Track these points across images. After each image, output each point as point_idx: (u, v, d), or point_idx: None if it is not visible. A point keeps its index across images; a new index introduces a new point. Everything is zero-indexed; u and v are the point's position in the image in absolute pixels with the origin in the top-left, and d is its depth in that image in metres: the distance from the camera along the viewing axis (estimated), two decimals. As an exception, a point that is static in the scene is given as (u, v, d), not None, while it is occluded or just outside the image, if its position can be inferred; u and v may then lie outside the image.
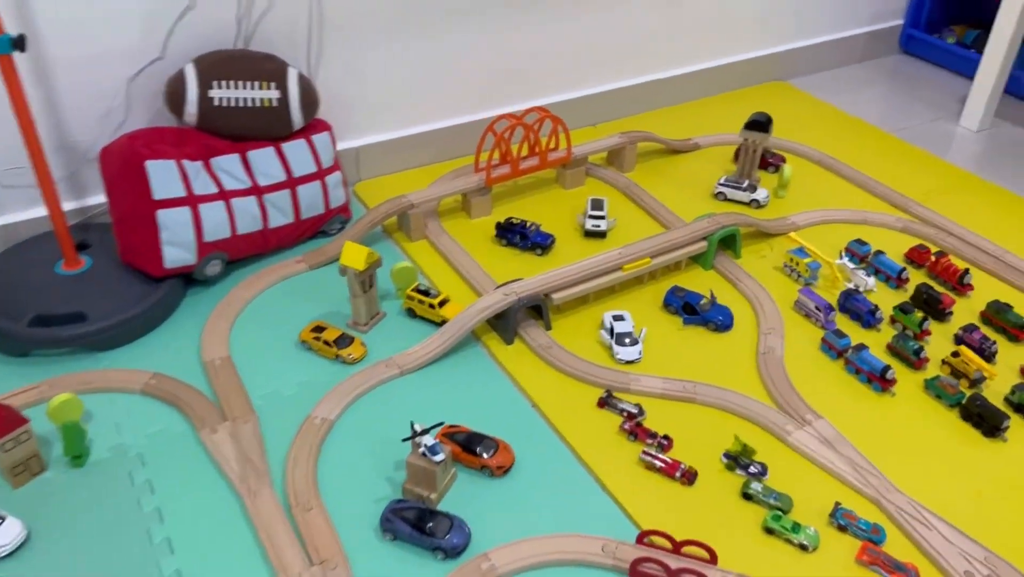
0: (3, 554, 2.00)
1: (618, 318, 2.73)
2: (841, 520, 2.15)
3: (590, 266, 2.83)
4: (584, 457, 2.34)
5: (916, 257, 3.08)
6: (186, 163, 2.78)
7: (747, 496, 2.22)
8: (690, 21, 4.06)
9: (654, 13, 3.92)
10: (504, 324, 2.71)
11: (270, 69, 2.93)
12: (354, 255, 2.64)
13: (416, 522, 2.07)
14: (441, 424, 2.23)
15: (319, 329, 2.68)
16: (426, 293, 2.78)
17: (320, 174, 3.07)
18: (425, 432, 2.17)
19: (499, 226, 3.19)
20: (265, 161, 2.96)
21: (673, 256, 2.97)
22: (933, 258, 3.04)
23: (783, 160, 3.68)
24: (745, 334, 2.79)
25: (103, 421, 2.39)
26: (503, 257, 3.12)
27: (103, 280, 2.75)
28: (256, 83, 2.89)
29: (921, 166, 3.78)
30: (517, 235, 3.14)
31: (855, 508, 2.19)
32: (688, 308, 2.82)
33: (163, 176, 2.69)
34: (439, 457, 2.14)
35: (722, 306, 2.83)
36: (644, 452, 2.31)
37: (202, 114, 2.85)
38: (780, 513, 2.15)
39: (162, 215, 2.71)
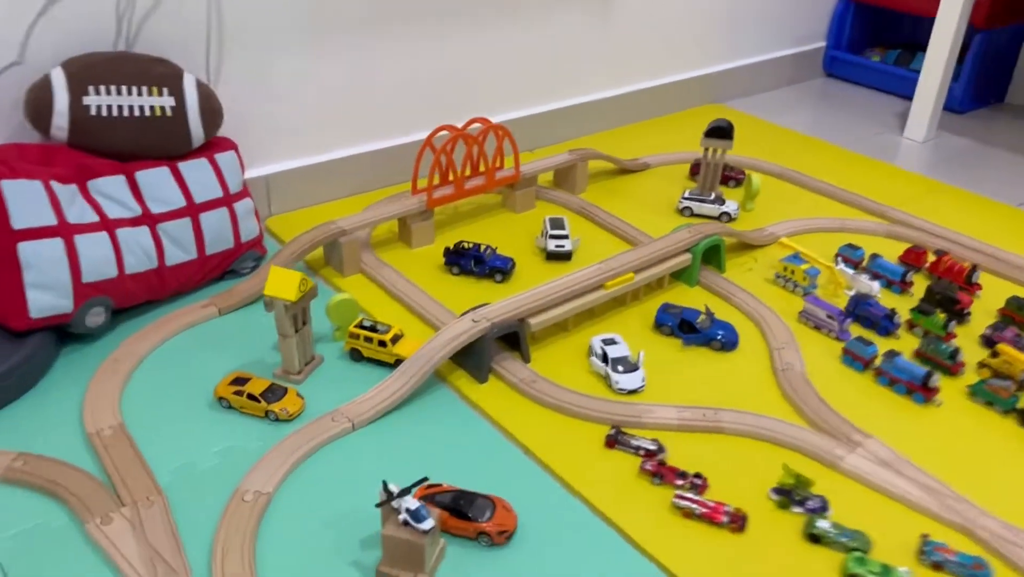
0: None
1: (609, 342, 2.28)
2: (934, 556, 1.72)
3: (568, 285, 2.38)
4: (602, 509, 1.84)
5: (913, 259, 2.78)
6: (56, 185, 2.18)
7: (814, 537, 1.77)
8: (627, 41, 3.78)
9: (588, 33, 3.62)
10: (475, 358, 2.21)
11: (162, 73, 2.40)
12: (283, 283, 2.10)
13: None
14: (424, 480, 1.69)
15: (240, 381, 2.10)
16: (373, 329, 2.25)
17: (227, 200, 2.52)
18: (404, 492, 1.62)
19: (449, 252, 2.71)
20: (158, 184, 2.39)
21: (657, 271, 2.56)
22: (933, 258, 2.74)
23: (743, 174, 3.37)
24: (753, 351, 2.38)
25: (-56, 523, 1.73)
26: (457, 286, 2.63)
27: (-56, 339, 2.09)
28: (144, 88, 2.35)
29: (882, 175, 3.56)
30: (471, 260, 2.66)
31: (944, 539, 1.77)
32: (685, 326, 2.39)
33: (24, 199, 2.09)
34: (426, 524, 1.59)
35: (723, 322, 2.42)
36: (677, 496, 1.83)
37: (75, 127, 2.28)
38: (861, 555, 1.70)
39: (25, 249, 2.09)
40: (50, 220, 2.13)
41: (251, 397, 2.06)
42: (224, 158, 2.54)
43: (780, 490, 1.87)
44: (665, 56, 4.02)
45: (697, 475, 1.90)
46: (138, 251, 2.33)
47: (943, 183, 3.51)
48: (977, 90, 4.35)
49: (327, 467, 1.92)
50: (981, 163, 3.76)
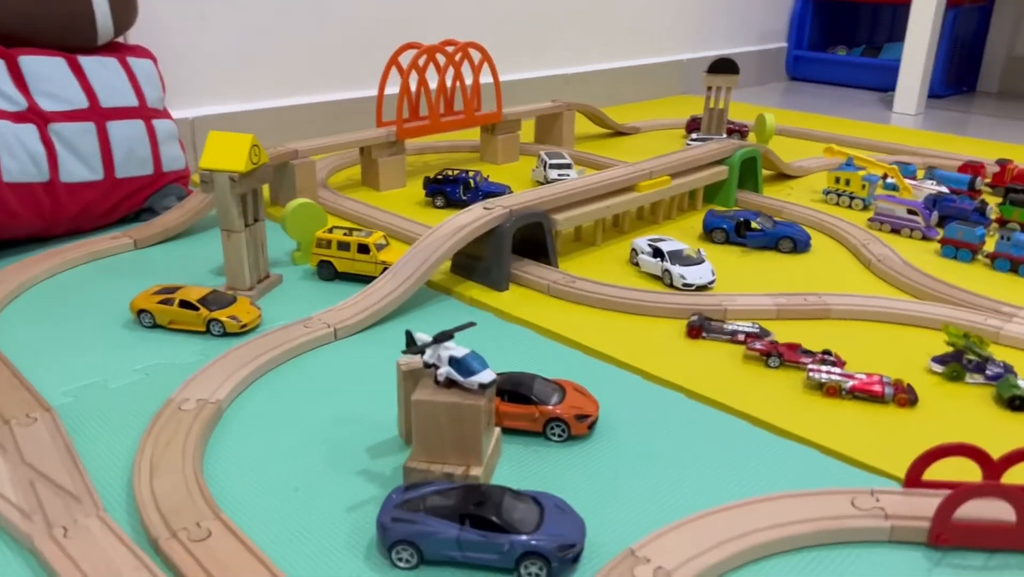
0: None
1: (657, 241, 1.76)
2: None
3: (597, 183, 1.87)
4: (710, 395, 1.28)
5: (972, 172, 2.38)
6: (-96, 50, 1.59)
7: (1017, 401, 1.24)
8: (590, 17, 3.44)
9: (554, 6, 3.27)
10: (492, 260, 1.66)
11: (57, -59, 1.86)
12: (227, 150, 1.53)
13: (467, 513, 0.90)
14: (472, 324, 1.11)
15: (168, 292, 1.48)
16: (349, 233, 1.68)
17: (144, 112, 1.96)
18: (444, 337, 1.03)
19: (430, 181, 2.18)
20: (50, 76, 1.82)
21: (692, 179, 2.07)
22: (998, 168, 2.35)
23: (747, 126, 2.98)
24: (830, 252, 1.91)
25: None
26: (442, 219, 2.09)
27: None
28: (33, -49, 1.81)
29: (887, 132, 3.24)
30: (460, 187, 2.13)
31: None
32: (742, 230, 1.90)
33: None
34: (482, 376, 1.00)
35: (785, 222, 1.95)
36: (812, 370, 1.29)
37: (-63, -9, 1.70)
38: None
39: None
40: None
41: (186, 305, 1.44)
42: (139, 64, 1.99)
43: (945, 358, 1.35)
44: (631, 38, 3.69)
45: (826, 352, 1.37)
46: (21, 154, 1.72)
47: (950, 135, 3.21)
48: (951, 75, 4.17)
49: (300, 380, 1.31)
50: (977, 128, 3.49)
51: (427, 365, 1.04)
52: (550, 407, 1.15)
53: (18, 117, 1.74)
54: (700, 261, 1.69)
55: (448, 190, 2.14)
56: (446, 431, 1.01)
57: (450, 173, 2.17)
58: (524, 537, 0.89)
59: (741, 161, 2.18)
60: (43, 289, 1.62)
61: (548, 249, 1.73)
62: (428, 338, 1.05)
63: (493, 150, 2.59)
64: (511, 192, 2.13)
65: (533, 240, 1.74)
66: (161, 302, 1.45)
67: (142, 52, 2.03)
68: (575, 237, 1.94)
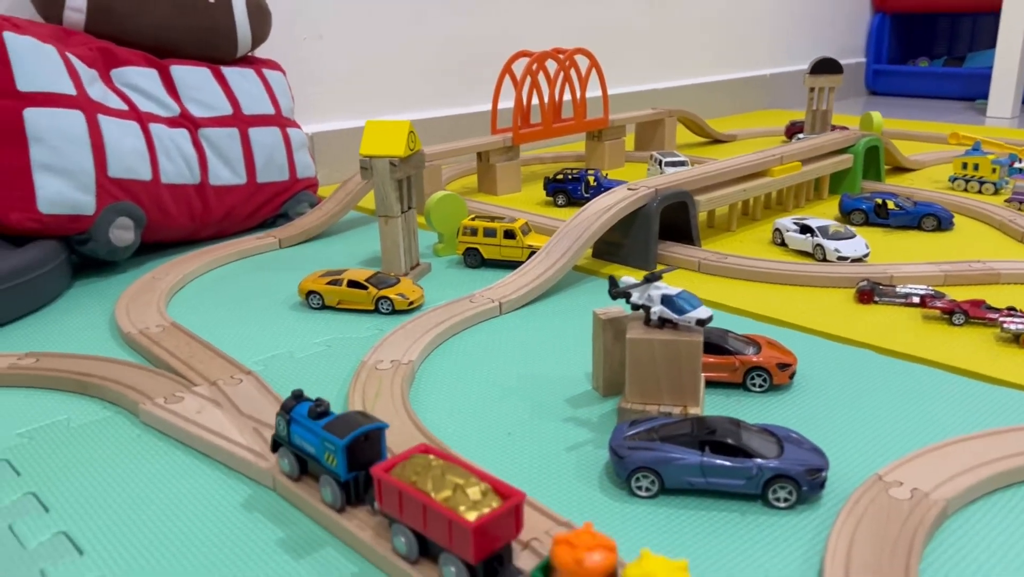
0: None
1: (803, 220, 1.75)
2: None
3: (734, 166, 1.87)
4: (909, 351, 1.24)
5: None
6: (74, 59, 1.67)
7: None
8: (676, 33, 3.48)
9: (636, 21, 3.31)
10: (637, 241, 1.66)
11: (200, -40, 1.96)
12: (385, 137, 1.57)
13: (707, 440, 0.89)
14: (674, 267, 1.10)
15: (334, 273, 1.51)
16: (493, 220, 1.70)
17: (280, 120, 2.02)
18: (653, 278, 1.03)
19: (551, 181, 2.20)
20: (198, 84, 1.89)
21: (819, 166, 2.06)
22: None
23: (847, 128, 2.95)
24: (975, 230, 1.87)
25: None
26: (565, 217, 2.10)
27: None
28: (182, -31, 1.90)
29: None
30: (581, 185, 2.15)
31: None
32: (882, 210, 1.88)
33: (34, 58, 1.57)
34: (699, 312, 1.00)
35: (927, 202, 1.92)
36: (1006, 322, 1.25)
37: (96, 6, 1.79)
38: None
39: (34, 117, 1.55)
40: (67, 88, 1.60)
41: (354, 284, 1.47)
42: (273, 75, 2.07)
43: None
44: (712, 54, 3.72)
45: (1012, 308, 1.33)
46: (177, 157, 1.79)
47: (1060, 133, 3.14)
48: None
49: (478, 346, 1.32)
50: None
51: (635, 307, 1.04)
52: (750, 356, 1.13)
53: (172, 122, 1.81)
54: (852, 235, 1.66)
55: (570, 188, 2.16)
56: (662, 370, 1.01)
57: (570, 172, 2.19)
58: (772, 461, 0.88)
59: (865, 150, 2.16)
60: (204, 281, 1.67)
61: (691, 229, 1.73)
62: (633, 280, 1.05)
63: (600, 156, 2.61)
64: (633, 188, 2.14)
65: (669, 223, 1.73)
66: (330, 283, 1.48)
67: (274, 65, 2.11)
68: (707, 223, 1.94)
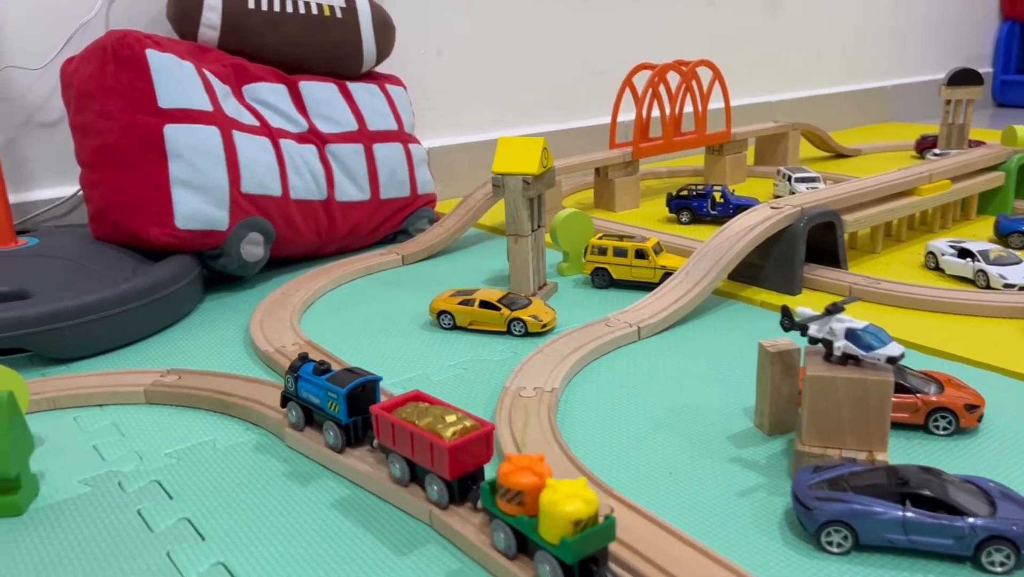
0: None
1: (959, 242, 1.62)
2: None
3: (881, 184, 1.76)
4: (1098, 393, 1.12)
5: None
6: (209, 75, 1.69)
7: None
8: (793, 44, 3.35)
9: (755, 33, 3.21)
10: (781, 262, 1.56)
11: (328, -25, 1.96)
12: (518, 154, 1.52)
13: (909, 493, 0.80)
14: (856, 298, 1.02)
15: (465, 293, 1.48)
16: (622, 239, 1.64)
17: (402, 136, 2.01)
18: (834, 310, 0.95)
19: (674, 197, 2.12)
20: (326, 100, 1.89)
21: (970, 184, 1.93)
22: None
23: (982, 143, 2.77)
24: None
25: (63, 444, 1.09)
26: (693, 236, 2.02)
27: (59, 259, 1.53)
28: (311, -15, 1.90)
29: None
30: (707, 201, 2.06)
31: None
32: (1043, 231, 1.74)
33: (174, 75, 1.59)
34: (890, 348, 0.91)
35: (1092, 224, 1.76)
36: None
37: (229, 23, 1.81)
38: None
39: (173, 133, 1.56)
40: (204, 104, 1.62)
41: (486, 305, 1.43)
42: (395, 91, 2.06)
43: None
44: (831, 64, 3.57)
45: None
46: (305, 173, 1.79)
47: None
48: None
49: (618, 373, 1.26)
50: None
51: (813, 341, 0.96)
52: (933, 396, 1.03)
53: (301, 138, 1.81)
54: (1017, 260, 1.54)
55: (695, 204, 2.08)
56: (846, 411, 0.92)
57: (695, 187, 2.11)
58: (986, 519, 0.78)
59: (1018, 168, 2.01)
60: (332, 298, 1.65)
61: (838, 250, 1.62)
62: (810, 312, 0.97)
63: (720, 170, 2.52)
64: (762, 206, 2.04)
65: (809, 243, 1.63)
66: (461, 303, 1.44)
67: (396, 80, 2.10)
68: (849, 245, 1.83)
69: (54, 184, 1.89)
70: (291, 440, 1.06)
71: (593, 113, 2.75)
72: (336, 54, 1.92)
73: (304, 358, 1.05)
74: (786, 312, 0.98)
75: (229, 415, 1.16)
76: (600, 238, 1.65)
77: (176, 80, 1.58)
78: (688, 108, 2.43)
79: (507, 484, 0.77)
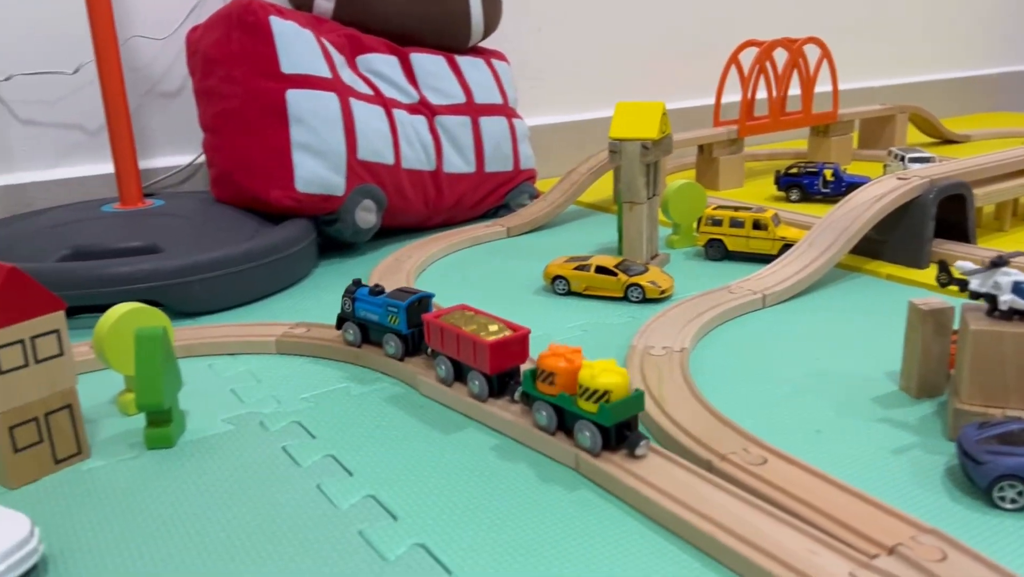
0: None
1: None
2: None
3: (1015, 158, 1.69)
4: None
5: None
6: (327, 43, 1.72)
7: None
8: (896, 27, 3.25)
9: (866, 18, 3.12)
10: (907, 235, 1.51)
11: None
12: (635, 119, 1.50)
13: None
14: (1019, 253, 0.98)
15: (580, 259, 1.46)
16: (738, 210, 1.60)
17: (506, 111, 2.01)
18: (999, 263, 0.91)
19: (783, 175, 2.07)
20: (435, 72, 1.90)
21: (1103, 162, 1.82)
22: None
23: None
24: None
25: (202, 387, 1.12)
26: (806, 212, 1.97)
27: (185, 219, 1.57)
28: (423, -43, 1.92)
29: None
30: (818, 179, 2.01)
31: None
32: None
33: (296, 43, 1.62)
34: (1065, 304, 0.86)
35: None
36: None
37: (345, -5, 1.84)
38: None
39: (295, 98, 1.59)
40: (323, 71, 1.64)
41: (602, 271, 1.41)
42: (500, 66, 2.06)
43: None
44: (936, 49, 3.44)
45: None
46: (416, 143, 1.80)
47: None
48: None
49: (747, 338, 1.23)
50: None
51: (975, 296, 0.91)
52: (1096, 359, 0.98)
53: (412, 109, 1.83)
54: None
55: (805, 182, 2.03)
56: (1011, 367, 0.88)
57: (805, 165, 2.06)
58: None
59: None
60: (444, 264, 1.67)
61: (967, 225, 1.56)
62: (971, 266, 0.92)
63: (825, 152, 2.45)
64: (875, 185, 1.98)
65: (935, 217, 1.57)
66: (577, 268, 1.43)
67: (500, 56, 2.10)
68: (973, 223, 1.75)
69: (172, 152, 1.95)
70: (425, 388, 1.07)
71: (690, 94, 2.71)
72: (446, 26, 1.93)
73: (358, 283, 1.15)
74: (943, 267, 0.95)
75: (359, 365, 1.17)
76: (715, 209, 1.62)
77: (297, 47, 1.61)
78: (794, 89, 2.37)
79: (544, 366, 0.88)
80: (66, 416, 0.91)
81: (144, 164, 1.91)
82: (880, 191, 1.50)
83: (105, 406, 1.07)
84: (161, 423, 0.96)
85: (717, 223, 1.61)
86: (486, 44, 2.20)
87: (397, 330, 1.10)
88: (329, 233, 1.70)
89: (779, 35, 2.76)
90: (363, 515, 0.81)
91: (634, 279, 1.39)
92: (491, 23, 2.02)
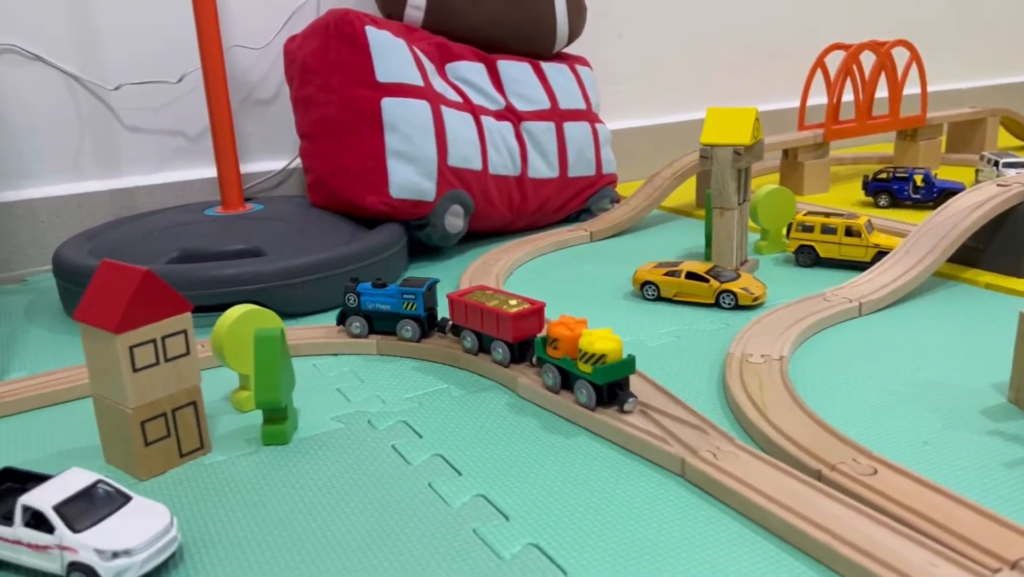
0: None
1: None
2: None
3: (1108, 163, 1.63)
4: None
5: None
6: (419, 52, 1.76)
7: None
8: (980, 29, 3.15)
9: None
10: (1007, 243, 1.48)
11: (525, -45, 2.00)
12: (728, 124, 1.50)
13: None
14: None
15: (670, 264, 1.47)
16: (828, 216, 1.59)
17: (589, 116, 2.02)
18: (1119, 275, 0.89)
19: (871, 181, 2.04)
20: (521, 79, 1.93)
21: None
22: None
23: None
24: None
25: (309, 386, 1.16)
26: (898, 219, 1.94)
27: (285, 223, 1.63)
28: (510, -34, 1.94)
29: None
30: (909, 184, 1.97)
31: None
32: None
33: (390, 51, 1.66)
34: None
35: None
36: None
37: (435, 4, 1.87)
38: None
39: (390, 106, 1.64)
40: (416, 80, 1.68)
41: (693, 277, 1.42)
42: (584, 71, 2.08)
43: None
44: (1017, 51, 3.33)
45: None
46: (503, 149, 1.83)
47: None
48: None
49: (845, 347, 1.22)
50: None
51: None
52: None
53: (499, 115, 1.86)
54: None
55: (895, 188, 1.99)
56: None
57: (894, 170, 2.02)
58: None
59: None
60: (530, 267, 1.69)
61: (1069, 234, 1.51)
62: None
63: (912, 156, 2.40)
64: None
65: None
66: (667, 274, 1.44)
67: (584, 61, 2.12)
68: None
69: (266, 158, 2.02)
70: (524, 390, 1.09)
71: (772, 97, 2.68)
72: (532, 33, 1.96)
73: (356, 280, 1.25)
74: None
75: (458, 367, 1.20)
76: (805, 215, 1.61)
77: (392, 56, 1.66)
78: (880, 93, 2.33)
79: (550, 333, 1.01)
80: (191, 412, 0.96)
81: (242, 169, 1.98)
82: (979, 198, 1.47)
83: (219, 403, 1.12)
84: (277, 420, 1.00)
85: (808, 229, 1.60)
86: (569, 49, 2.22)
87: (416, 315, 1.22)
88: (418, 237, 1.74)
89: (864, 37, 2.71)
90: (475, 514, 0.84)
91: (726, 285, 1.40)
92: (575, 29, 2.04)
